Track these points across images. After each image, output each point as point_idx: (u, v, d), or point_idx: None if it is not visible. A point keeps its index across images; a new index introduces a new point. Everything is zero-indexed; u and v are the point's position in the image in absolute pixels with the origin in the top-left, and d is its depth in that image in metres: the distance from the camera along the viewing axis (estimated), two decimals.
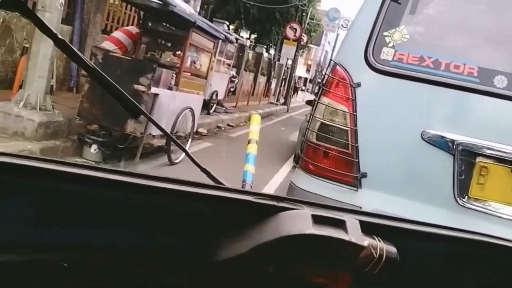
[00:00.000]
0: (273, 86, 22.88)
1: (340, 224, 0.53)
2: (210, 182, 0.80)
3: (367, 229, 0.55)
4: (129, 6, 8.39)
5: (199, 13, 10.65)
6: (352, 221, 0.54)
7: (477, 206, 1.65)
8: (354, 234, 0.52)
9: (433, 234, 0.64)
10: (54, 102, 4.97)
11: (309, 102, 10.31)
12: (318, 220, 0.53)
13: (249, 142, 1.12)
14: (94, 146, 4.83)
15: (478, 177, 1.64)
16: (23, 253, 0.52)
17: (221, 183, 0.79)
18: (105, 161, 4.96)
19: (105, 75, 0.70)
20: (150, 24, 5.88)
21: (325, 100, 1.85)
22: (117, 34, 5.99)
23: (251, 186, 1.02)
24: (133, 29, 6.19)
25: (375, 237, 0.55)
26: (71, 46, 0.67)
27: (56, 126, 4.71)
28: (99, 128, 5.06)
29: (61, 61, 7.02)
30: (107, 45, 5.58)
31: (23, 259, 0.52)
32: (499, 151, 1.61)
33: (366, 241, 0.53)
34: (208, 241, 0.58)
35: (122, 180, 0.53)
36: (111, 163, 5.00)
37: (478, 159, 1.64)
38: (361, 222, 0.55)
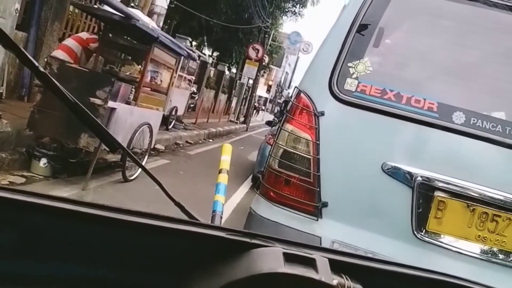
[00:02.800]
0: (233, 104, 22.93)
1: (310, 263, 0.54)
2: (182, 215, 0.79)
3: (336, 267, 0.57)
4: (89, 16, 8.17)
5: (162, 28, 10.55)
6: (321, 260, 0.55)
7: (434, 240, 1.67)
8: (323, 273, 0.53)
9: (400, 273, 0.65)
10: (2, 111, 4.70)
11: (269, 123, 10.41)
12: (289, 258, 0.54)
13: (220, 172, 1.10)
14: (44, 160, 4.59)
15: (436, 211, 1.66)
16: None
17: (194, 218, 0.78)
18: (55, 176, 4.72)
19: (58, 83, 0.67)
20: (110, 36, 5.72)
21: (288, 127, 1.84)
22: (68, 42, 5.77)
23: (221, 216, 1.01)
24: (84, 34, 5.98)
25: (343, 276, 0.56)
26: (27, 54, 0.63)
27: (2, 137, 4.44)
28: (50, 141, 4.82)
29: (13, 67, 6.68)
30: (59, 54, 5.37)
31: None
32: (456, 186, 1.64)
33: (335, 280, 0.54)
34: (178, 278, 0.57)
35: (91, 213, 0.52)
36: (61, 178, 4.76)
37: (436, 193, 1.66)
38: (330, 260, 0.57)
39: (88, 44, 5.71)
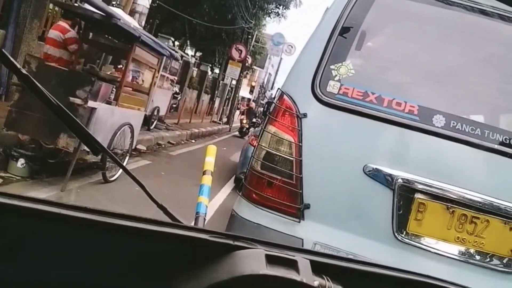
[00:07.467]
0: (216, 105, 22.87)
1: (292, 264, 0.55)
2: (164, 217, 0.79)
3: (317, 268, 0.57)
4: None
5: (144, 28, 10.45)
6: (303, 261, 0.56)
7: (415, 241, 1.69)
8: (305, 274, 0.54)
9: (381, 274, 0.66)
10: None
11: (252, 124, 10.44)
12: (271, 259, 0.55)
13: (204, 173, 1.09)
14: (22, 160, 4.49)
15: (416, 213, 1.68)
16: None
17: (177, 220, 0.79)
18: (33, 177, 4.62)
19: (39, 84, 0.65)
20: (91, 35, 5.64)
21: (271, 128, 1.83)
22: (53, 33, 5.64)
23: (204, 218, 1.00)
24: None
25: (325, 277, 0.57)
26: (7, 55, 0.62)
27: None
28: (28, 141, 4.71)
29: None
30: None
31: None
32: (436, 188, 1.66)
33: (316, 281, 0.55)
34: (161, 280, 0.57)
35: (72, 215, 0.52)
36: (39, 179, 4.66)
37: (416, 195, 1.68)
38: (311, 261, 0.57)
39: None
